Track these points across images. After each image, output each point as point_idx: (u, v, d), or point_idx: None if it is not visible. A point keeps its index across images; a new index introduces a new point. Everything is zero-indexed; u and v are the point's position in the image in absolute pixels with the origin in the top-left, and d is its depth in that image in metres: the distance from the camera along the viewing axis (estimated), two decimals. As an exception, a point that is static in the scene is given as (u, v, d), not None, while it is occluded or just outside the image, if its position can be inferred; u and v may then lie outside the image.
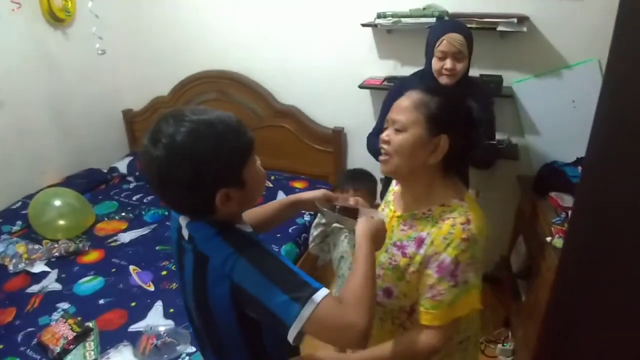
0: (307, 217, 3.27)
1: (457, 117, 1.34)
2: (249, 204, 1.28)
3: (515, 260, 3.14)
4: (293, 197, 1.59)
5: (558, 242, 2.31)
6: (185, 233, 1.21)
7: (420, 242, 1.36)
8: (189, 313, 1.36)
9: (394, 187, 1.64)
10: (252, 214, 1.47)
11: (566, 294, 1.74)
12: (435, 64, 2.32)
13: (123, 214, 3.35)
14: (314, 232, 2.48)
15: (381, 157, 1.39)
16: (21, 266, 2.70)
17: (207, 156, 1.06)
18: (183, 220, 1.22)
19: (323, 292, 1.05)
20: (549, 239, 2.37)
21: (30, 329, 2.26)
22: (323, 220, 2.39)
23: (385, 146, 1.37)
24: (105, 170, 3.95)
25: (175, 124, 1.06)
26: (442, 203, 1.37)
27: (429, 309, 1.32)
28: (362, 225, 1.26)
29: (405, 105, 1.35)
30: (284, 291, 1.04)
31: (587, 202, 1.62)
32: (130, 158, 4.06)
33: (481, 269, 1.35)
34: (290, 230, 3.12)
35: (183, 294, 1.34)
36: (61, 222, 2.99)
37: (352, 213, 1.41)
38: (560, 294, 1.80)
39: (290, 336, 1.03)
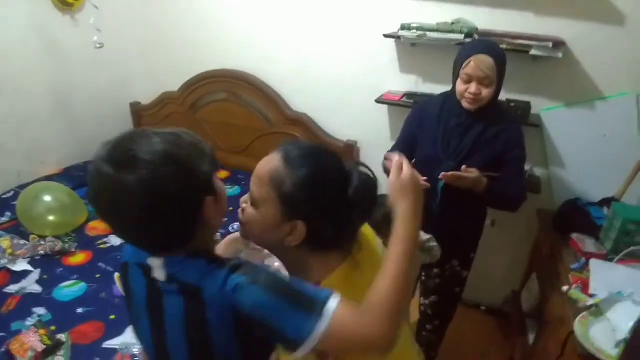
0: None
1: (320, 200, 1.12)
2: (222, 219, 1.17)
3: (527, 297, 3.00)
4: (232, 236, 1.55)
5: (575, 293, 2.11)
6: (160, 274, 1.08)
7: None
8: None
9: None
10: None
11: None
12: (459, 86, 2.14)
13: (118, 213, 3.20)
14: None
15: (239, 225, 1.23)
16: (3, 262, 2.57)
17: (193, 161, 1.02)
18: (155, 261, 1.08)
19: (334, 301, 0.97)
20: (565, 288, 2.17)
21: (1, 334, 2.13)
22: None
23: (240, 215, 1.21)
24: (106, 164, 3.81)
25: (143, 139, 0.99)
26: (304, 279, 1.15)
27: None
28: (401, 199, 1.09)
29: (262, 173, 1.14)
30: (293, 309, 0.97)
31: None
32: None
33: None
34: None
35: (154, 342, 1.18)
36: (50, 218, 2.86)
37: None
38: None
39: (300, 354, 0.96)
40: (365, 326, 0.96)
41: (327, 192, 1.13)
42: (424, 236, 2.15)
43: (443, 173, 2.08)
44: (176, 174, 0.97)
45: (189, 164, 1.00)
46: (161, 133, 1.02)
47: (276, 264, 1.45)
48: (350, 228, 1.19)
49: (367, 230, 1.35)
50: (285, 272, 1.31)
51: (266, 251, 1.39)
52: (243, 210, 1.19)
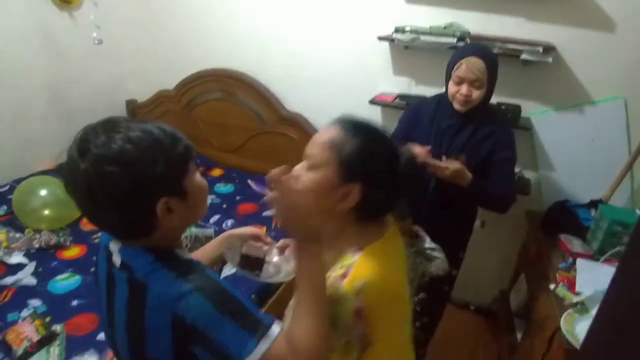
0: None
1: (375, 166, 1.17)
2: (192, 220, 1.19)
3: (515, 297, 3.04)
4: (225, 233, 1.51)
5: (561, 291, 2.17)
6: (116, 260, 1.10)
7: None
8: (113, 345, 1.22)
9: None
10: (201, 254, 1.43)
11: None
12: (451, 87, 2.19)
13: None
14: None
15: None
16: (-2, 255, 2.59)
17: (145, 162, 1.00)
18: (114, 246, 1.11)
19: (276, 328, 1.02)
20: (552, 286, 2.23)
21: (-4, 324, 2.15)
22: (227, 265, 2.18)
23: (292, 181, 1.20)
24: (101, 161, 3.82)
25: (106, 133, 0.99)
26: (340, 249, 1.22)
27: None
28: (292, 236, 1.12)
29: (322, 140, 1.19)
30: (238, 324, 0.99)
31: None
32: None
33: None
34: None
35: (109, 326, 1.20)
36: (46, 212, 2.86)
37: (254, 263, 1.33)
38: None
39: None
40: (299, 356, 1.00)
41: (381, 159, 1.18)
42: (429, 244, 2.05)
43: (418, 151, 2.08)
44: (118, 175, 0.97)
45: (139, 166, 0.99)
46: (133, 127, 1.01)
47: (275, 259, 1.45)
48: (395, 201, 1.24)
49: None
50: (287, 268, 1.35)
51: (266, 247, 1.43)
52: (297, 178, 1.19)
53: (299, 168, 1.21)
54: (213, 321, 0.98)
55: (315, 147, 1.19)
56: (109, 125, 1.01)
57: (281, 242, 1.46)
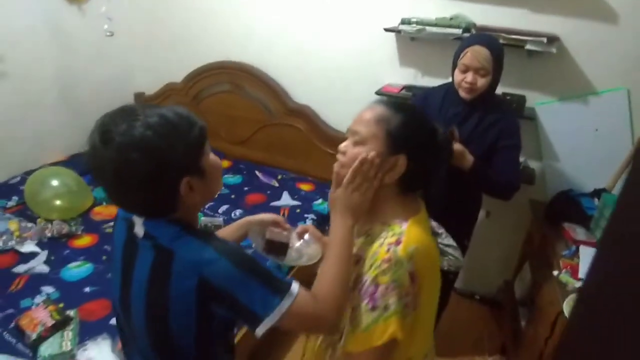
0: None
1: (419, 138, 1.27)
2: (210, 196, 1.26)
3: (519, 286, 3.06)
4: (245, 219, 1.58)
5: (564, 277, 2.21)
6: (139, 230, 1.17)
7: (357, 261, 1.27)
8: (125, 322, 1.28)
9: None
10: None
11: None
12: (457, 75, 2.23)
13: (122, 199, 3.25)
14: None
15: (335, 165, 1.32)
16: (11, 244, 2.63)
17: (166, 146, 1.05)
18: (138, 219, 1.17)
19: (296, 285, 1.11)
20: (555, 272, 2.27)
21: (10, 311, 2.19)
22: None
23: (340, 157, 1.30)
24: (110, 153, 3.86)
25: (126, 121, 1.04)
26: (384, 221, 1.28)
27: (348, 331, 1.22)
28: (338, 200, 1.23)
29: (368, 118, 1.27)
30: (261, 284, 1.08)
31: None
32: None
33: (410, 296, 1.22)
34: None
35: (121, 295, 1.25)
36: (57, 203, 2.92)
37: (278, 248, 1.40)
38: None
39: (261, 329, 1.07)
40: (320, 311, 1.12)
41: (423, 131, 1.29)
42: (445, 239, 2.03)
43: None
44: (142, 160, 1.03)
45: (160, 151, 1.04)
46: (150, 114, 1.07)
47: (297, 244, 1.53)
48: (434, 175, 1.35)
49: None
50: (309, 252, 1.46)
51: (285, 232, 1.51)
52: (344, 153, 1.28)
53: (345, 145, 1.29)
54: (239, 284, 1.06)
55: (361, 124, 1.27)
56: (126, 113, 1.06)
57: (300, 227, 1.55)
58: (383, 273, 1.15)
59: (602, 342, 1.47)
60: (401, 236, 1.20)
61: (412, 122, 1.27)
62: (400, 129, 1.24)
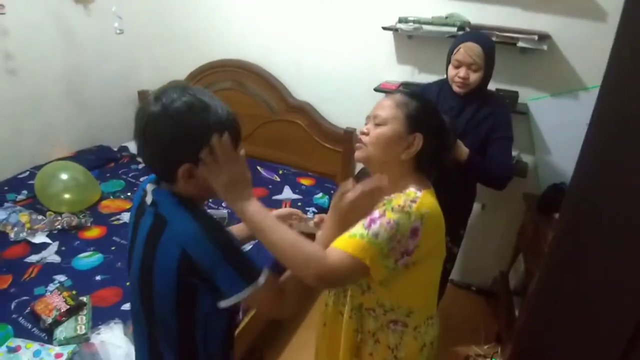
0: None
1: (433, 121, 1.50)
2: (206, 194, 1.31)
3: (514, 276, 3.14)
4: None
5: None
6: (149, 198, 1.28)
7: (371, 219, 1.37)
8: (138, 280, 1.34)
9: None
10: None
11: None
12: (450, 71, 2.34)
13: (129, 193, 3.35)
14: None
15: (357, 145, 1.50)
16: (22, 235, 2.71)
17: (193, 127, 1.16)
18: (150, 187, 1.29)
19: (263, 277, 1.22)
20: (548, 260, 2.35)
21: (24, 298, 2.27)
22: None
23: (363, 137, 1.49)
24: (115, 149, 3.96)
25: (179, 92, 1.18)
26: (402, 190, 1.42)
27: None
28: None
29: (388, 103, 1.49)
30: (235, 268, 1.19)
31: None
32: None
33: (394, 248, 1.33)
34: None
35: (130, 261, 1.37)
36: (66, 196, 3.00)
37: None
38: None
39: (224, 304, 1.22)
40: (276, 305, 1.31)
41: (436, 115, 1.54)
42: None
43: None
44: (168, 124, 1.14)
45: (185, 125, 1.15)
46: (199, 93, 1.20)
47: (318, 233, 1.59)
48: (444, 156, 1.59)
49: None
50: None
51: (311, 223, 1.64)
52: (367, 133, 1.48)
53: (368, 127, 1.50)
54: (216, 265, 1.17)
55: (382, 109, 1.48)
56: (185, 88, 1.20)
57: (316, 217, 1.66)
58: (392, 211, 1.31)
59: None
60: (417, 199, 1.36)
61: (426, 107, 1.50)
62: (417, 112, 1.46)
